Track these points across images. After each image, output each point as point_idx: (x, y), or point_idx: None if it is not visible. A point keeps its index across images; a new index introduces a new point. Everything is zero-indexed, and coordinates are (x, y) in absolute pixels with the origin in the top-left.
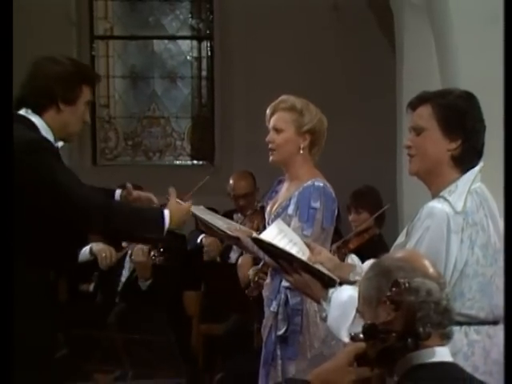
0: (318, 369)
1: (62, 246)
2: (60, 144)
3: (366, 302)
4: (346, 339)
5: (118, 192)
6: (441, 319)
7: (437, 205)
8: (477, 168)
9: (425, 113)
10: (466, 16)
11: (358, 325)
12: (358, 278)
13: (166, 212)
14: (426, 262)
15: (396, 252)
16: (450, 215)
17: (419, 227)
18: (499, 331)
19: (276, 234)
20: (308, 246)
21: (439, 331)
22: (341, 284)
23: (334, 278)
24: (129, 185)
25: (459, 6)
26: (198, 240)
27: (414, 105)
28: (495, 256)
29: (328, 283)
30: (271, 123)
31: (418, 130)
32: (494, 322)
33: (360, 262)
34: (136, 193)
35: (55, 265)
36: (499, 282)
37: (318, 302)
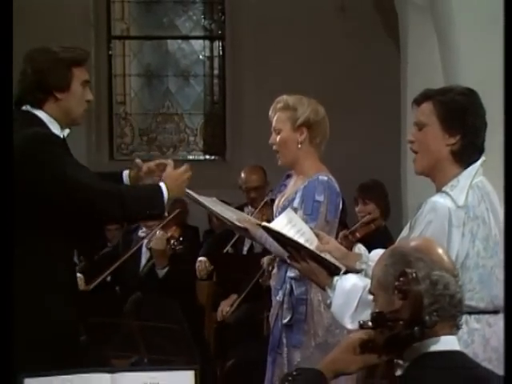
0: (325, 359)
1: (81, 229)
2: (67, 131)
3: (382, 288)
4: (349, 326)
5: (126, 173)
6: (454, 311)
7: (439, 200)
8: (478, 163)
9: (426, 109)
10: (467, 16)
11: (361, 312)
12: (364, 266)
13: (163, 186)
14: (442, 253)
15: (412, 240)
16: (452, 210)
17: (422, 221)
18: (499, 320)
19: (285, 224)
20: (317, 235)
21: (450, 322)
22: (347, 272)
23: (340, 266)
24: (138, 160)
25: (461, 7)
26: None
27: (418, 101)
28: (496, 248)
29: (333, 271)
30: (272, 125)
31: (419, 126)
32: (494, 312)
33: (367, 252)
34: (145, 166)
35: (79, 247)
36: (499, 273)
37: (324, 289)
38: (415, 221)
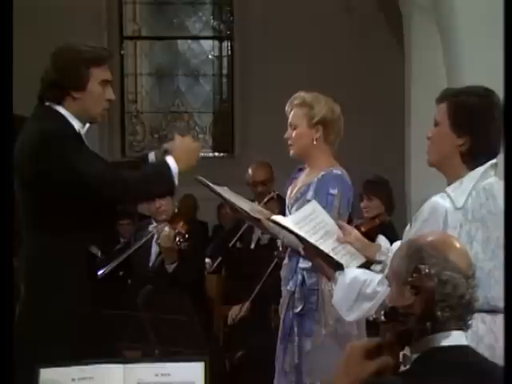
0: (335, 372)
1: (94, 222)
2: (86, 126)
3: (396, 277)
4: (347, 318)
5: (152, 154)
6: (462, 311)
7: (438, 200)
8: (485, 166)
9: (442, 109)
10: (470, 17)
11: (360, 305)
12: (383, 257)
13: (170, 160)
14: (459, 252)
15: (431, 234)
16: (449, 211)
17: (419, 219)
18: (496, 318)
19: (306, 216)
20: (340, 226)
21: (459, 321)
22: (369, 263)
23: (340, 261)
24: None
25: (464, 8)
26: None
27: (437, 100)
28: (496, 251)
29: (336, 266)
30: (288, 120)
31: (435, 123)
32: (491, 311)
33: (388, 243)
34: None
35: (91, 240)
36: (498, 275)
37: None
38: (416, 217)
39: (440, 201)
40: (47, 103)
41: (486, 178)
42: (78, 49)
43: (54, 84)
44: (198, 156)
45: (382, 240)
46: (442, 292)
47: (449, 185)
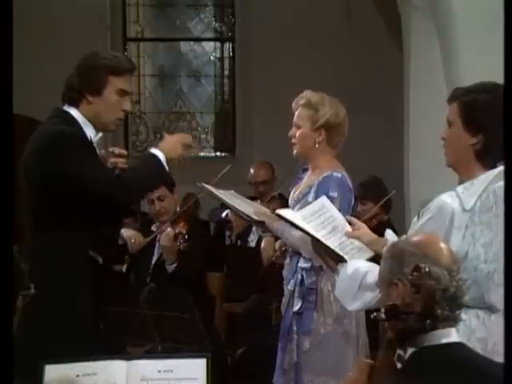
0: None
1: (97, 225)
2: (99, 135)
3: (381, 280)
4: (350, 307)
5: None
6: (447, 304)
7: (447, 199)
8: (498, 169)
9: (453, 109)
10: (468, 18)
11: (362, 295)
12: None
13: (155, 150)
14: (441, 248)
15: (414, 235)
16: (457, 212)
17: (426, 215)
18: (491, 315)
19: (315, 211)
20: (349, 222)
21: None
22: (377, 257)
23: (341, 254)
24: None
25: (462, 8)
26: (223, 214)
27: (449, 100)
28: (498, 254)
29: (338, 258)
30: (294, 119)
31: (448, 124)
32: (486, 309)
33: (395, 237)
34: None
35: (94, 244)
36: (498, 278)
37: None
38: (422, 213)
39: (448, 200)
40: (64, 106)
41: (499, 180)
42: (100, 56)
43: (72, 86)
44: (185, 145)
45: (389, 234)
46: None
47: (460, 183)
